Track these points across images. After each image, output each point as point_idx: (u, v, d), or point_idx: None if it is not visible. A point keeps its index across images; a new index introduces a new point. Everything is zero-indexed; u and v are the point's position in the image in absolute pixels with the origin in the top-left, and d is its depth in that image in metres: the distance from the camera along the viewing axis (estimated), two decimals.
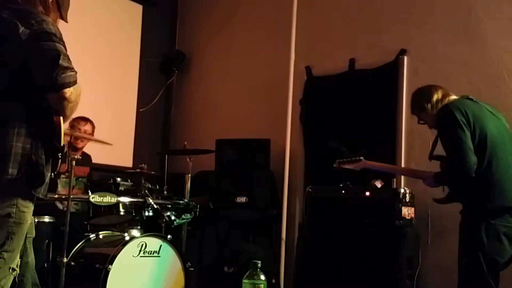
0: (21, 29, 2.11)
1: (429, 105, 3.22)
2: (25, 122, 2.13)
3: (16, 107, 2.14)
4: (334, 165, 3.73)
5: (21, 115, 2.14)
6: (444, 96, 3.23)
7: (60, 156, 2.24)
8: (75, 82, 2.13)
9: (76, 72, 2.14)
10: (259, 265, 2.29)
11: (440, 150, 3.25)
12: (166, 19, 6.23)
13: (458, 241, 3.05)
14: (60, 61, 2.09)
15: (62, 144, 2.23)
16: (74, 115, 4.22)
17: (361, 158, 3.73)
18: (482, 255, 2.90)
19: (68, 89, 2.10)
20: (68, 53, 2.17)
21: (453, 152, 3.02)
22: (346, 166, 3.69)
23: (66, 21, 2.39)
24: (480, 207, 2.97)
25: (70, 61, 2.14)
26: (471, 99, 3.23)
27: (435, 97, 3.22)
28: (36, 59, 2.11)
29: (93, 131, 4.43)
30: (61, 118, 2.21)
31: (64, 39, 2.20)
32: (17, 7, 2.20)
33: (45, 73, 2.09)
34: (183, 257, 3.65)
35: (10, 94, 2.15)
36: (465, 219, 3.05)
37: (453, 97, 3.24)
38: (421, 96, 3.32)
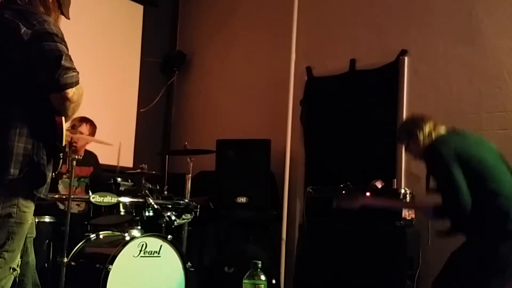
0: (23, 29, 2.12)
1: (421, 135, 3.12)
2: (26, 122, 2.13)
3: (18, 107, 2.14)
4: (333, 205, 3.61)
5: (23, 115, 2.14)
6: (434, 128, 3.13)
7: (61, 156, 2.24)
8: (77, 83, 2.13)
9: (78, 73, 2.14)
10: (259, 265, 2.29)
11: None
12: (166, 19, 6.23)
13: (453, 261, 2.94)
14: (63, 62, 2.09)
15: (63, 144, 2.23)
16: (75, 115, 4.22)
17: (358, 194, 3.62)
18: (492, 281, 2.79)
19: (70, 89, 2.10)
20: (69, 53, 2.17)
21: (446, 192, 2.93)
22: (345, 205, 3.57)
23: (68, 18, 2.39)
24: (493, 232, 2.86)
25: (72, 61, 2.14)
26: (457, 132, 3.15)
27: (427, 128, 3.12)
28: (38, 60, 2.11)
29: (93, 132, 4.39)
30: (63, 118, 2.21)
31: (65, 39, 2.20)
32: (18, 8, 2.20)
33: (47, 73, 2.09)
34: (184, 257, 3.65)
35: (11, 94, 2.15)
36: (472, 243, 2.93)
37: (442, 130, 3.15)
38: (413, 124, 3.22)
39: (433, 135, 3.11)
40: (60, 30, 2.20)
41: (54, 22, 2.21)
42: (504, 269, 2.81)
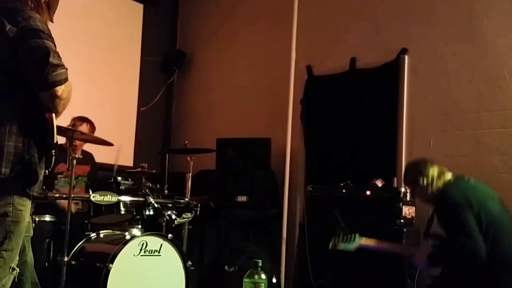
0: (8, 27, 2.10)
1: (425, 182, 3.13)
2: (16, 121, 2.12)
3: (7, 105, 2.13)
4: (330, 247, 3.50)
5: (12, 113, 2.13)
6: (440, 174, 3.14)
7: (53, 153, 2.22)
8: (66, 80, 2.11)
9: (66, 69, 2.12)
10: (259, 264, 2.29)
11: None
12: (167, 18, 6.23)
13: None
14: (50, 59, 2.07)
15: (55, 141, 2.21)
16: (74, 115, 4.20)
17: (356, 235, 3.51)
18: None
19: (59, 87, 2.08)
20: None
21: (459, 239, 2.90)
22: (341, 247, 3.46)
23: (52, 21, 2.36)
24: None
25: (60, 58, 2.11)
26: (466, 179, 3.15)
27: (430, 175, 3.14)
28: (26, 58, 2.09)
29: (92, 132, 4.39)
30: (53, 114, 2.19)
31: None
32: (5, 5, 2.17)
33: (35, 71, 2.07)
34: (184, 256, 3.65)
35: (0, 93, 2.14)
36: None
37: (448, 176, 3.15)
38: (416, 171, 3.22)
39: (440, 181, 3.10)
40: (47, 26, 2.17)
41: (40, 18, 2.18)
42: None
